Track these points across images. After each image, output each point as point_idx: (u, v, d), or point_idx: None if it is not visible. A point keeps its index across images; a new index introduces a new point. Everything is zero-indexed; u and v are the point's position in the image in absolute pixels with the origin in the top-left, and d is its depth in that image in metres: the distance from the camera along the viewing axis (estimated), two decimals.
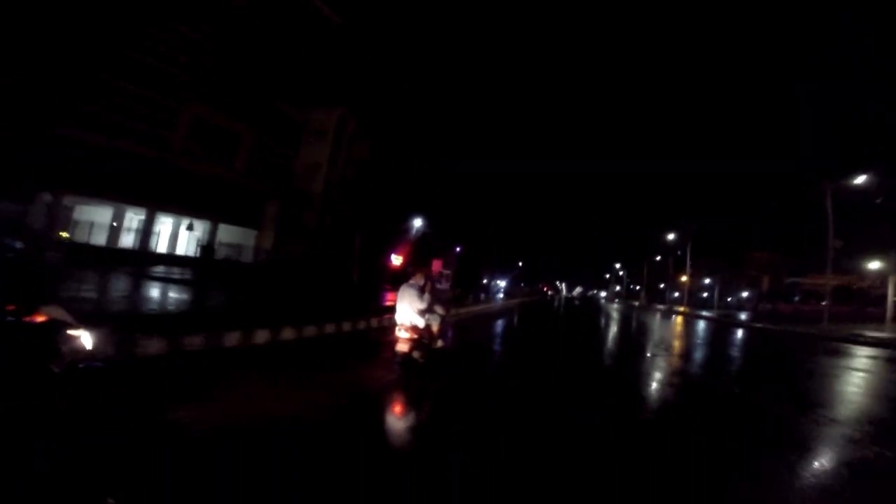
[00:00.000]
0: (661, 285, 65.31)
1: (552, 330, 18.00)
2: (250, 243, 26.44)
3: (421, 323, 5.73)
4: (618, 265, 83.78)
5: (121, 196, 20.73)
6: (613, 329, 20.23)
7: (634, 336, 16.98)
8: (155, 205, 21.90)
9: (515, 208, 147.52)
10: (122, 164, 19.87)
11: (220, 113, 24.16)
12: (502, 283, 67.43)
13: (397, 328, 5.73)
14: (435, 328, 6.06)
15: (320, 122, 28.98)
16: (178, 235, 24.39)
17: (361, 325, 9.99)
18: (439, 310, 6.22)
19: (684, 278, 77.36)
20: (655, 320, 28.50)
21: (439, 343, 6.24)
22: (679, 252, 72.10)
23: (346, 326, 9.31)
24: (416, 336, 5.65)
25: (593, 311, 37.24)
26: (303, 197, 27.19)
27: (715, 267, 57.02)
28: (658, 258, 61.80)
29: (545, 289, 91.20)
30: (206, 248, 23.01)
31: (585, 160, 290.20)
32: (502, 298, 34.83)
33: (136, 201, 21.34)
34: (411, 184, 39.05)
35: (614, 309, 43.57)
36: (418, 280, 5.93)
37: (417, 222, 44.63)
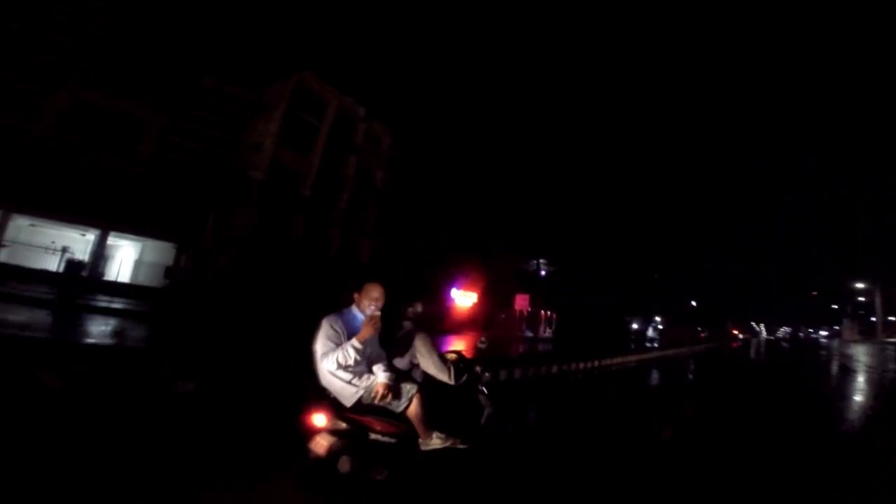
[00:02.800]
0: None
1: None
2: (168, 261, 18.70)
3: (346, 396, 2.50)
4: (860, 284, 48.70)
5: None
6: None
7: None
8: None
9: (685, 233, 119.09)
10: None
11: (116, 96, 18.49)
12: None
13: (311, 407, 2.47)
14: (412, 408, 2.53)
15: (273, 96, 21.79)
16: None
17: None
18: (433, 370, 2.84)
19: None
20: None
21: (434, 441, 2.59)
22: None
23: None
24: (341, 424, 2.43)
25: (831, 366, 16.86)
26: (239, 189, 19.10)
27: None
28: None
29: (735, 332, 65.69)
30: None
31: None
32: (656, 349, 21.31)
33: None
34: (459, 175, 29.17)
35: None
36: (362, 305, 2.61)
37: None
